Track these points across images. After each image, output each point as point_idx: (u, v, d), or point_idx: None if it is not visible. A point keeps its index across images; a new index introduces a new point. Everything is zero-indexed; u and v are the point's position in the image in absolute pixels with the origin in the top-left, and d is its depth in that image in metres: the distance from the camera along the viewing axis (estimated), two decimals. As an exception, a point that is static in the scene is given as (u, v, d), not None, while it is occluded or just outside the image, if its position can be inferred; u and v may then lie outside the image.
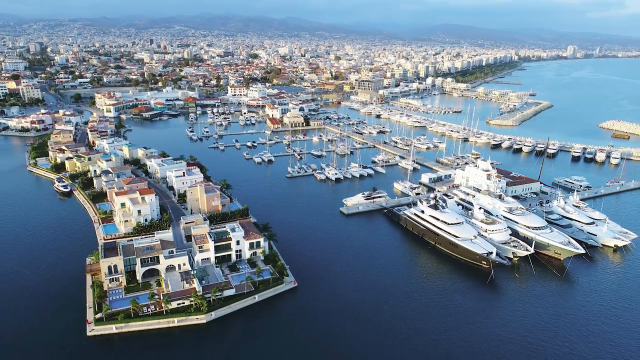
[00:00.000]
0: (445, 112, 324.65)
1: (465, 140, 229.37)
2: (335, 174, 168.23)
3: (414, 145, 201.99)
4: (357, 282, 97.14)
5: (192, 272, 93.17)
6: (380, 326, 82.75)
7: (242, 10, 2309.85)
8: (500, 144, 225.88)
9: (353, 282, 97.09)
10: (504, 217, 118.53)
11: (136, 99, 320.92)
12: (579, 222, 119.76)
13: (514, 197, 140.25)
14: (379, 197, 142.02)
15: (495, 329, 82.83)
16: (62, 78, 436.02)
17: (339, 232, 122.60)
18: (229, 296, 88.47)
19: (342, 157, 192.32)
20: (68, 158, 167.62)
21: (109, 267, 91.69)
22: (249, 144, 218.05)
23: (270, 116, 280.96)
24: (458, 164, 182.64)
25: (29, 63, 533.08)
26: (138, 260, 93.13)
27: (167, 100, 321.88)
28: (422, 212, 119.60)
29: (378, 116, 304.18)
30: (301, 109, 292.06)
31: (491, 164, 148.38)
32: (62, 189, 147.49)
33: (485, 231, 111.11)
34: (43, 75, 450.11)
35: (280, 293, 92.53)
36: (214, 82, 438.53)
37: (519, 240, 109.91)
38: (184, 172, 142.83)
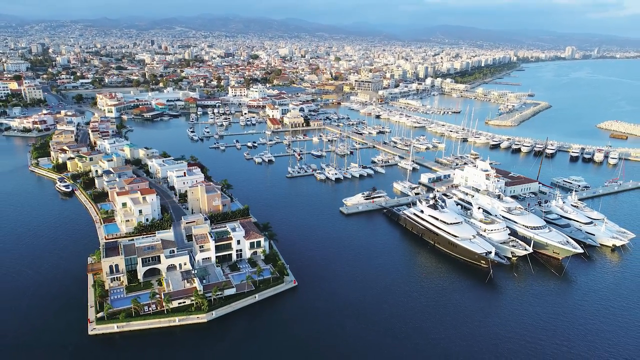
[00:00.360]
0: (444, 112, 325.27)
1: (464, 140, 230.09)
2: (335, 174, 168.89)
3: (414, 146, 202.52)
4: (356, 282, 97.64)
5: (193, 272, 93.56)
6: (380, 325, 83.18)
7: (243, 12, 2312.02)
8: (499, 144, 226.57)
9: (353, 282, 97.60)
10: (502, 216, 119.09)
11: (137, 99, 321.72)
12: (578, 221, 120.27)
13: (513, 197, 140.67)
14: (379, 197, 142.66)
15: (494, 327, 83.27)
16: (63, 79, 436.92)
17: (338, 231, 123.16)
18: (229, 295, 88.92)
19: (342, 157, 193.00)
20: (70, 158, 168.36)
21: (111, 267, 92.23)
22: (249, 144, 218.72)
23: (271, 116, 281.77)
24: (457, 164, 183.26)
25: (30, 64, 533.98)
26: (139, 260, 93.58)
27: (168, 100, 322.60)
28: (422, 211, 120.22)
29: (378, 116, 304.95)
30: (301, 110, 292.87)
31: (490, 164, 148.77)
32: (63, 188, 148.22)
33: (484, 231, 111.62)
34: (45, 76, 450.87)
35: (281, 292, 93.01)
36: (214, 82, 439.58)
37: (517, 239, 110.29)
38: (184, 172, 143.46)
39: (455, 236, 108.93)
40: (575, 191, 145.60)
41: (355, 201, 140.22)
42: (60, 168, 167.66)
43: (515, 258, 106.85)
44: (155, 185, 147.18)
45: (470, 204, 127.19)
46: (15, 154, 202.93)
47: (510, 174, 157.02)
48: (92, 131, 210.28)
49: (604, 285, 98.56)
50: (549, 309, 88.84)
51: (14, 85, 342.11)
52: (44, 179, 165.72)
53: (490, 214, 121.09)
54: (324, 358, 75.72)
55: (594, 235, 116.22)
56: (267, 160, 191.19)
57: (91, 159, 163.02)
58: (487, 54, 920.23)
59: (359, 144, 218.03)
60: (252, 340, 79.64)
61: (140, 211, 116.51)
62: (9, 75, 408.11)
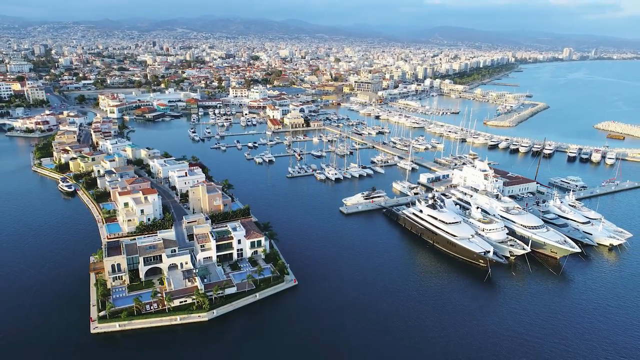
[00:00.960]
0: (443, 113, 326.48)
1: (463, 140, 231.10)
2: (335, 174, 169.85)
3: (413, 146, 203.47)
4: (356, 281, 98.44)
5: (194, 271, 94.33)
6: (379, 324, 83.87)
7: (243, 13, 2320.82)
8: (498, 144, 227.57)
9: (352, 281, 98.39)
10: (501, 216, 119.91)
11: (139, 100, 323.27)
12: (575, 221, 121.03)
13: (511, 196, 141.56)
14: (378, 196, 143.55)
15: (493, 326, 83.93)
16: (66, 80, 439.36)
17: (338, 231, 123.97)
18: (230, 294, 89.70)
19: (341, 158, 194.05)
20: (72, 158, 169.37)
21: (113, 266, 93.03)
22: (250, 144, 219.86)
23: (271, 117, 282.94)
24: (456, 164, 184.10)
25: (33, 65, 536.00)
26: (141, 259, 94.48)
27: (169, 101, 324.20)
28: (421, 211, 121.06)
29: (377, 117, 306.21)
30: (301, 110, 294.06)
31: (488, 164, 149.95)
32: (66, 188, 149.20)
33: (483, 230, 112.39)
34: (47, 77, 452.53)
35: (281, 291, 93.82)
36: (215, 83, 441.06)
37: (515, 239, 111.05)
38: (186, 172, 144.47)
39: (454, 235, 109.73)
40: (573, 191, 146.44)
41: (355, 201, 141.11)
42: (63, 168, 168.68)
43: (513, 257, 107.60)
44: (157, 185, 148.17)
45: (468, 203, 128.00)
46: (18, 154, 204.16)
47: (508, 174, 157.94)
48: (94, 132, 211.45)
49: (601, 284, 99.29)
50: (546, 308, 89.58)
51: (17, 86, 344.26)
52: (47, 179, 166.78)
53: (489, 214, 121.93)
54: (323, 356, 76.36)
55: (592, 234, 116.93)
56: (267, 161, 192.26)
57: (93, 159, 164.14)
58: (486, 55, 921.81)
59: (358, 144, 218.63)
60: (253, 338, 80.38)
61: (141, 211, 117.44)
62: (12, 76, 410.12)
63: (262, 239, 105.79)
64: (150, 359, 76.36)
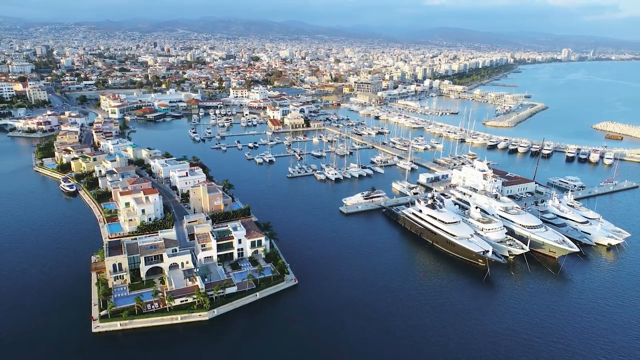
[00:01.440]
0: (442, 113, 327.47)
1: (462, 141, 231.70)
2: (335, 174, 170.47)
3: (412, 146, 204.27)
4: (356, 280, 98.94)
5: (194, 270, 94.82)
6: (379, 323, 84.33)
7: (244, 14, 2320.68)
8: (496, 144, 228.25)
9: (352, 280, 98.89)
10: (500, 216, 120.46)
11: (140, 100, 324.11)
12: (574, 221, 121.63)
13: (510, 196, 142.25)
14: (378, 196, 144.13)
15: (492, 325, 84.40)
16: (67, 80, 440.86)
17: (338, 231, 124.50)
18: (230, 294, 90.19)
19: (341, 158, 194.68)
20: (74, 158, 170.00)
21: (114, 265, 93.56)
22: (250, 144, 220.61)
23: (271, 117, 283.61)
24: (455, 165, 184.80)
25: (35, 66, 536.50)
26: (142, 259, 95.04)
27: (170, 102, 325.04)
28: (420, 211, 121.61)
29: (377, 117, 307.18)
30: (301, 111, 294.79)
31: (487, 164, 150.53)
32: (67, 188, 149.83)
33: (482, 230, 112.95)
34: (49, 77, 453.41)
35: (281, 291, 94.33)
36: (216, 84, 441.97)
37: (514, 238, 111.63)
38: (187, 172, 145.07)
39: (454, 235, 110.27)
40: (571, 191, 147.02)
41: (354, 201, 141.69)
42: (64, 168, 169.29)
43: (512, 257, 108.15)
44: (158, 185, 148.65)
45: (468, 203, 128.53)
46: (20, 155, 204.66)
47: (507, 174, 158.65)
48: (95, 132, 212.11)
49: (600, 284, 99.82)
50: (545, 307, 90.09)
51: (18, 87, 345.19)
52: (48, 179, 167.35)
53: (488, 214, 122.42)
54: (323, 356, 76.80)
55: (590, 234, 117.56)
56: (267, 161, 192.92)
57: (95, 160, 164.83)
58: (485, 56, 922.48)
59: (358, 144, 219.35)
60: (253, 337, 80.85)
61: (143, 211, 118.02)
62: (13, 77, 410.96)
63: (263, 238, 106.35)
64: (151, 358, 76.85)
